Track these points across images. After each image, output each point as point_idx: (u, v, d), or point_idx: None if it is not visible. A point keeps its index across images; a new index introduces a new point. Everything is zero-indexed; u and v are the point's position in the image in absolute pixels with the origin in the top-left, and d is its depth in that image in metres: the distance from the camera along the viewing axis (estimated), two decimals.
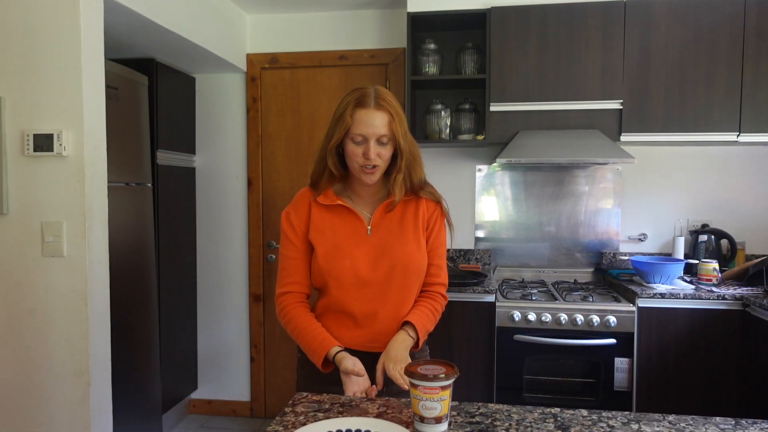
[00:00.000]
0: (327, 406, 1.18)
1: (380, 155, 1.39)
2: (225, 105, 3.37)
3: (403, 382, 1.26)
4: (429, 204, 1.50)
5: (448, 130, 2.95)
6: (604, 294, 2.61)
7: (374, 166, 1.39)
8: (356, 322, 1.45)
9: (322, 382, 1.42)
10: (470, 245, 3.12)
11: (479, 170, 3.10)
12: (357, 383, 1.33)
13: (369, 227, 1.45)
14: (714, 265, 2.59)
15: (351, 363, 1.33)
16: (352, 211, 1.46)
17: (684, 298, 2.41)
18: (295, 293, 1.46)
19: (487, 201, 3.10)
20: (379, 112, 1.37)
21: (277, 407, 3.39)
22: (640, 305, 2.43)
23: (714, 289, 2.49)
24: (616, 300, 2.51)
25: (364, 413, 1.14)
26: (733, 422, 1.09)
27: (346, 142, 1.40)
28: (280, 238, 1.51)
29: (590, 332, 2.42)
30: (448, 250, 1.80)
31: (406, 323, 1.44)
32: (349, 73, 3.25)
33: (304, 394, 1.26)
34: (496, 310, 2.49)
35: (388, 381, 1.37)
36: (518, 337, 2.45)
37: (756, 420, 1.10)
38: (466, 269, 2.93)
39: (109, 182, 2.08)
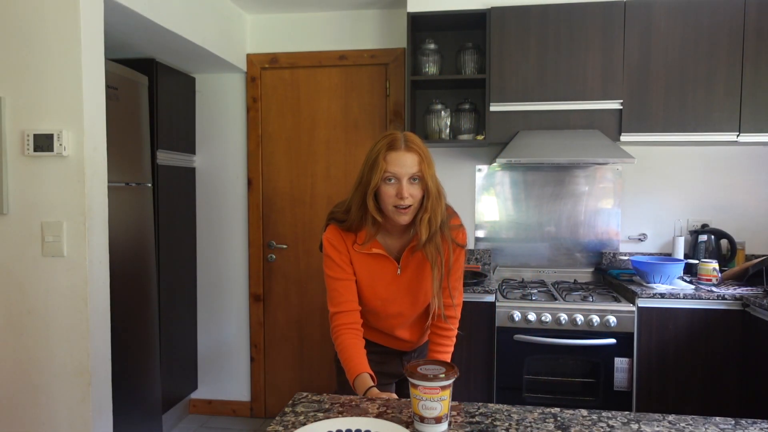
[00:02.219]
0: (327, 406, 1.18)
1: (412, 195, 1.46)
2: (225, 105, 3.37)
3: None
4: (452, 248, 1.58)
5: (448, 130, 2.95)
6: (604, 294, 2.61)
7: (407, 206, 1.46)
8: (380, 333, 1.68)
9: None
10: (470, 245, 3.12)
11: (479, 170, 3.10)
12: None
13: (399, 267, 1.57)
14: (714, 265, 2.59)
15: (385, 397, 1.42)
16: (385, 256, 1.56)
17: (684, 298, 2.41)
18: (347, 312, 1.56)
19: (487, 201, 3.10)
20: (410, 154, 1.45)
21: (277, 407, 3.39)
22: (640, 305, 2.43)
23: (714, 289, 2.49)
24: (616, 300, 2.51)
25: (364, 413, 1.14)
26: (733, 422, 1.09)
27: (380, 185, 1.47)
28: (323, 261, 1.59)
29: (590, 332, 2.42)
30: None
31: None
32: (349, 73, 3.26)
33: (304, 394, 1.26)
34: (496, 310, 2.49)
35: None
36: (518, 337, 2.45)
37: (756, 420, 1.10)
38: (466, 269, 2.93)
39: (109, 182, 2.08)
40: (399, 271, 1.56)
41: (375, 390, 1.41)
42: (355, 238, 1.54)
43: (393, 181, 1.45)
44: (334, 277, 1.55)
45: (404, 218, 1.47)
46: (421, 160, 1.46)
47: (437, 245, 1.50)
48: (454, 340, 1.65)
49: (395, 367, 1.71)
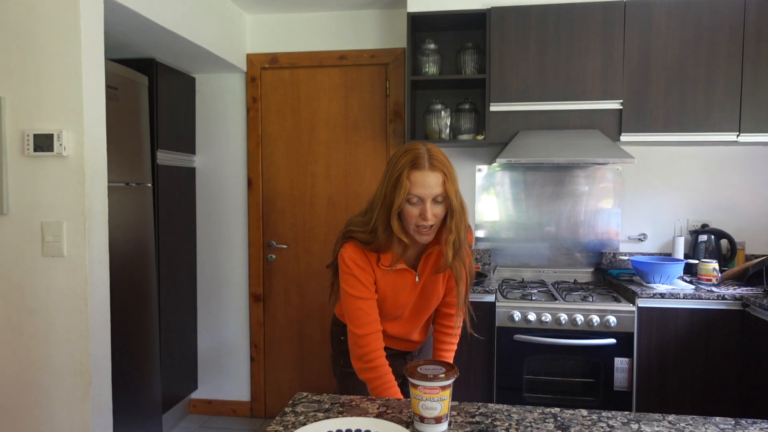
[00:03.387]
0: (327, 406, 1.18)
1: (436, 215, 1.42)
2: (225, 105, 3.37)
3: None
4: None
5: (448, 130, 2.95)
6: (604, 294, 2.61)
7: (430, 227, 1.43)
8: (389, 337, 1.64)
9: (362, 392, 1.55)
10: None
11: (479, 170, 3.10)
12: None
13: (417, 276, 1.56)
14: (714, 265, 2.59)
15: None
16: (408, 269, 1.55)
17: (684, 298, 2.41)
18: (376, 334, 1.51)
19: (487, 201, 3.10)
20: (434, 173, 1.40)
21: (277, 407, 3.39)
22: (640, 305, 2.43)
23: (714, 289, 2.49)
24: (616, 300, 2.51)
25: (364, 413, 1.14)
26: (733, 422, 1.09)
27: (402, 204, 1.42)
28: (340, 275, 1.54)
29: (590, 332, 2.42)
30: None
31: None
32: (349, 73, 3.26)
33: (304, 394, 1.26)
34: (496, 310, 2.49)
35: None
36: (518, 337, 2.45)
37: (756, 420, 1.10)
38: None
39: (109, 182, 2.08)
40: (417, 279, 1.56)
41: None
42: (379, 257, 1.50)
43: (416, 201, 1.41)
44: (359, 297, 1.49)
45: (426, 238, 1.45)
46: (445, 179, 1.41)
47: (462, 260, 1.48)
48: (458, 337, 1.69)
49: (399, 367, 1.71)
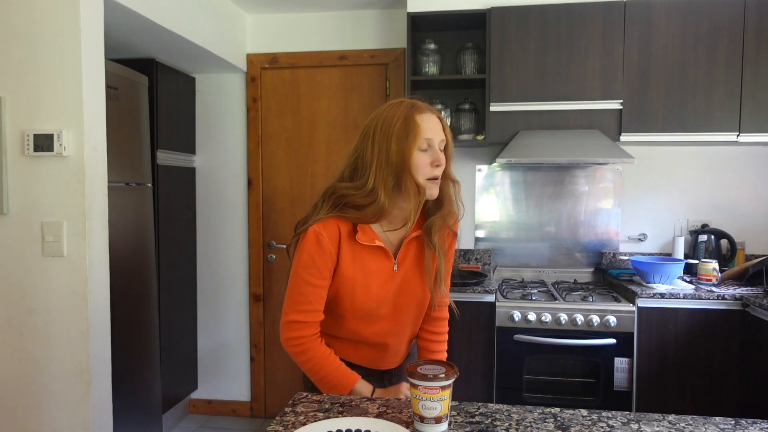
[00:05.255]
0: (327, 406, 1.18)
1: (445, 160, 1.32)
2: (225, 105, 3.37)
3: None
4: (443, 233, 1.43)
5: None
6: (604, 294, 2.61)
7: (436, 177, 1.30)
8: (366, 346, 1.44)
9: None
10: (470, 245, 3.12)
11: (479, 170, 3.10)
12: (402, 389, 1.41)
13: (396, 263, 1.38)
14: (714, 265, 2.59)
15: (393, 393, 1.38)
16: (385, 250, 1.36)
17: (684, 298, 2.41)
18: (314, 323, 1.35)
19: (487, 201, 3.10)
20: (434, 116, 1.31)
21: (277, 407, 3.39)
22: (640, 305, 2.43)
23: (714, 289, 2.49)
24: (616, 300, 2.51)
25: (364, 413, 1.14)
26: (733, 422, 1.09)
27: (411, 154, 1.27)
28: (295, 252, 1.38)
29: (590, 332, 2.42)
30: None
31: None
32: (349, 73, 3.26)
33: (304, 394, 1.26)
34: (496, 310, 2.49)
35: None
36: (518, 337, 2.45)
37: (756, 420, 1.10)
38: (466, 269, 2.93)
39: (109, 182, 2.08)
40: (396, 267, 1.37)
41: (380, 390, 1.37)
42: (355, 229, 1.32)
43: (425, 147, 1.28)
44: (308, 282, 1.33)
45: (436, 189, 1.31)
46: (443, 124, 1.33)
47: (446, 222, 1.36)
48: (446, 337, 1.55)
49: (378, 386, 1.48)
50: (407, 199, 1.29)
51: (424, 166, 1.28)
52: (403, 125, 1.26)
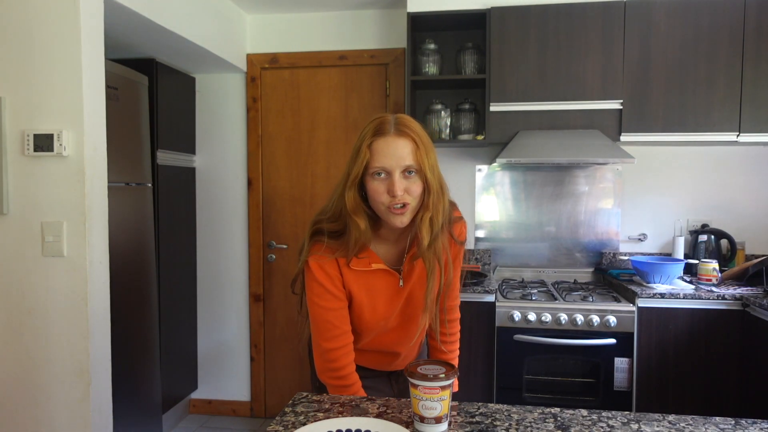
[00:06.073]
0: (327, 406, 1.18)
1: (408, 191, 1.19)
2: (225, 105, 3.37)
3: None
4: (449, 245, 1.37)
5: (448, 130, 2.95)
6: (604, 294, 2.61)
7: (403, 205, 1.19)
8: (377, 354, 1.45)
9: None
10: (470, 245, 3.12)
11: (479, 170, 3.10)
12: None
13: (401, 279, 1.33)
14: (714, 265, 2.59)
15: None
16: (387, 269, 1.32)
17: (684, 298, 2.41)
18: (347, 346, 1.32)
19: (487, 201, 3.10)
20: (401, 140, 1.18)
21: (277, 407, 3.39)
22: (640, 305, 2.43)
23: (714, 289, 2.49)
24: (616, 300, 2.51)
25: (364, 413, 1.14)
26: (733, 422, 1.09)
27: (367, 180, 1.21)
28: (304, 284, 1.34)
29: (590, 332, 2.42)
30: None
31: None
32: (349, 73, 3.26)
33: (304, 394, 1.26)
34: (496, 310, 2.49)
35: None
36: (518, 337, 2.45)
37: (756, 420, 1.10)
38: (466, 269, 2.93)
39: (109, 182, 2.08)
40: (401, 283, 1.33)
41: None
42: (349, 256, 1.27)
43: (382, 175, 1.19)
44: (328, 308, 1.29)
45: (401, 219, 1.21)
46: (416, 147, 1.18)
47: (437, 252, 1.25)
48: (458, 337, 1.54)
49: (382, 385, 1.52)
50: (360, 221, 1.23)
51: (379, 195, 1.20)
52: (357, 149, 1.21)
